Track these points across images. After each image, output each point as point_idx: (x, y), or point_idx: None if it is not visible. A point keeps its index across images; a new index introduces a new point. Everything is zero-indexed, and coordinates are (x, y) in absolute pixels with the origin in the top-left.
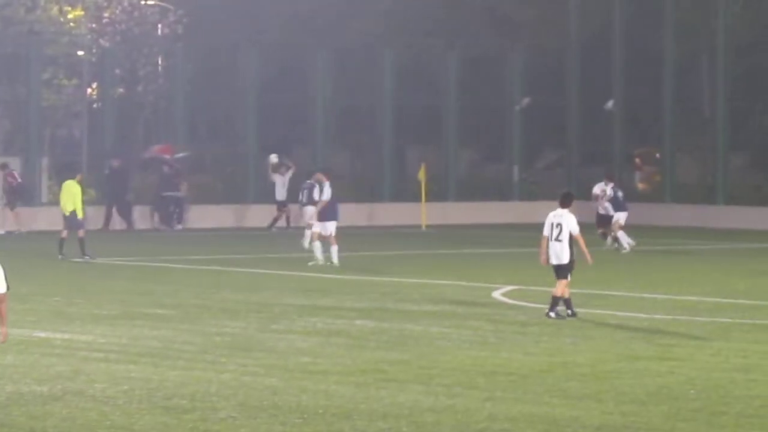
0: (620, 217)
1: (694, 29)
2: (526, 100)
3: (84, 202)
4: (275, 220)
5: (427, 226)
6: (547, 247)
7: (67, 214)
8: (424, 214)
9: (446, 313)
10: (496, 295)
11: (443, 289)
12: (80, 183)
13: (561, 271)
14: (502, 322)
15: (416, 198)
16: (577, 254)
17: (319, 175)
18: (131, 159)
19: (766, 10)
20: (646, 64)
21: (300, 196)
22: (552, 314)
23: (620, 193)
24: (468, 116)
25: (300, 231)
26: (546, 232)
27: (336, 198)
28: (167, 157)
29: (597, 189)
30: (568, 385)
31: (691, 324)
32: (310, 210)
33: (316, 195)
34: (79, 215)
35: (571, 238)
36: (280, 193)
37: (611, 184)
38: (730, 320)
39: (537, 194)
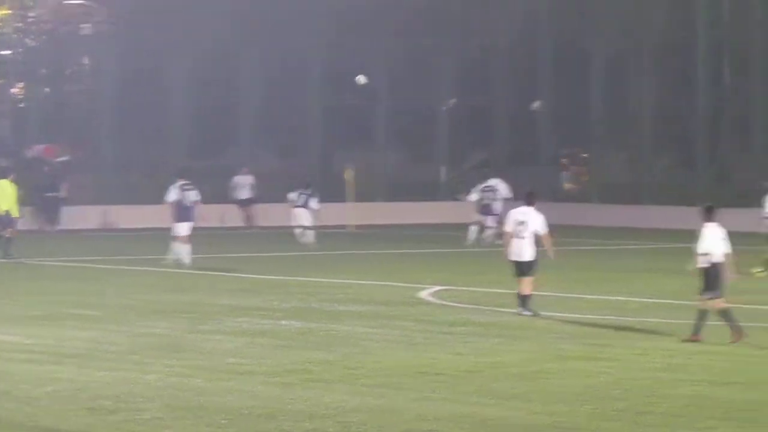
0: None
1: (622, 29)
2: (452, 101)
3: (18, 202)
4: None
5: (355, 227)
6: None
7: (2, 213)
8: (352, 214)
9: (373, 313)
10: (424, 295)
11: (370, 289)
12: (13, 182)
13: (523, 268)
14: (430, 322)
15: (344, 198)
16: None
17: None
18: (18, 158)
19: (695, 10)
20: (574, 65)
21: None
22: (526, 312)
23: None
24: (396, 117)
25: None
26: (509, 228)
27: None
28: (49, 158)
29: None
30: (496, 385)
31: (619, 324)
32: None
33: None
34: (14, 214)
35: (536, 235)
36: (243, 193)
37: None
38: (657, 320)
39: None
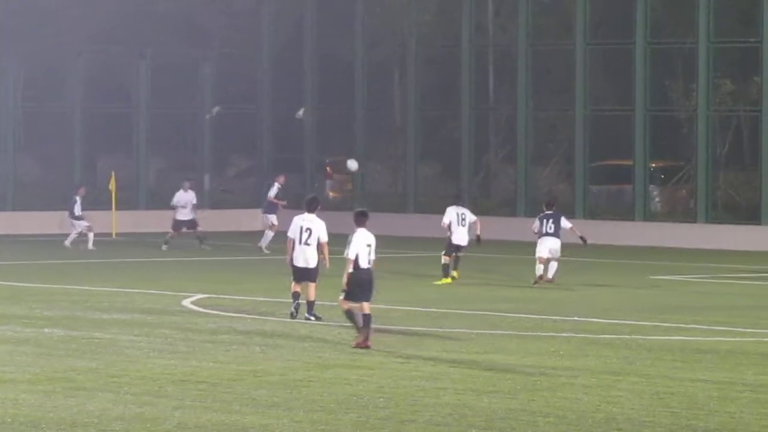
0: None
1: (385, 38)
2: (216, 109)
3: None
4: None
5: (118, 234)
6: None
7: None
8: (115, 222)
9: (137, 321)
10: (186, 303)
11: (134, 297)
12: None
13: (309, 274)
14: (192, 330)
15: (107, 206)
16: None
17: None
18: None
19: (456, 20)
20: (338, 73)
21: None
22: (312, 318)
23: None
24: (159, 124)
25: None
26: (292, 234)
27: None
28: None
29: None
30: (258, 393)
31: (382, 332)
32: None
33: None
34: None
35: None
36: (185, 213)
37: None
38: (420, 328)
39: (229, 202)
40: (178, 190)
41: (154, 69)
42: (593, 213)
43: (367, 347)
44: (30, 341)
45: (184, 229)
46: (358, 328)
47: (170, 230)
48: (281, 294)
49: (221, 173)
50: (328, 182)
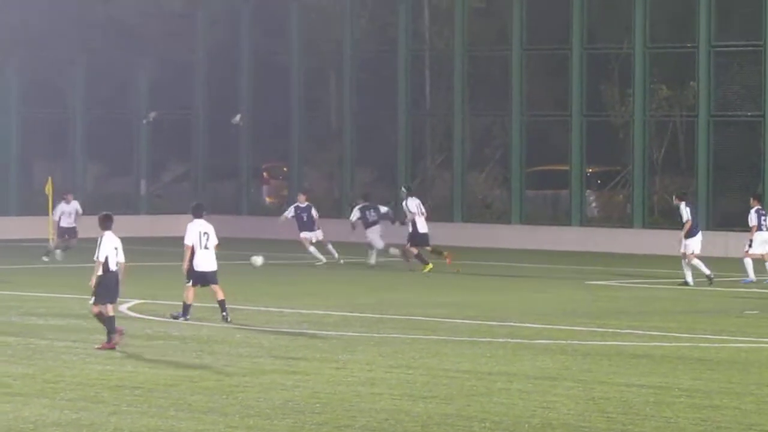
0: None
1: (321, 42)
2: (152, 114)
3: None
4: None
5: (54, 240)
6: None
7: None
8: (51, 227)
9: (72, 326)
10: (123, 308)
11: (69, 302)
12: None
13: (211, 277)
14: (129, 335)
15: (43, 212)
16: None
17: None
18: None
19: (391, 23)
20: (274, 78)
21: None
22: (225, 315)
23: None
24: (95, 129)
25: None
26: (191, 241)
27: None
28: None
29: None
30: (193, 398)
31: (318, 338)
32: None
33: None
34: None
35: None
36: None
37: None
38: (356, 334)
39: (163, 208)
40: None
41: (89, 74)
42: (529, 218)
43: (113, 348)
44: None
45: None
46: (109, 331)
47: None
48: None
49: (157, 178)
50: (265, 188)
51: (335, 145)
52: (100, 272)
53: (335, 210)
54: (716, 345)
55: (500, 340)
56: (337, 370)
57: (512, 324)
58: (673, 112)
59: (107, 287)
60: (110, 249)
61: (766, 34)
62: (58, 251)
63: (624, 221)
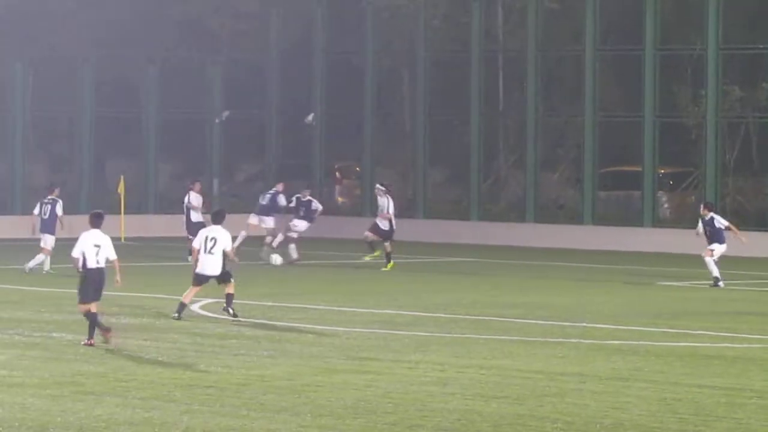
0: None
1: (395, 42)
2: (226, 113)
3: None
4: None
5: (126, 239)
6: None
7: None
8: (123, 226)
9: (145, 325)
10: (195, 308)
11: (142, 301)
12: None
13: (221, 277)
14: (201, 335)
15: (116, 210)
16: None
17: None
18: None
19: (465, 24)
20: (347, 78)
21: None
22: (231, 309)
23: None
24: (168, 129)
25: None
26: (198, 245)
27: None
28: None
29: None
30: (265, 398)
31: (390, 337)
32: None
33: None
34: None
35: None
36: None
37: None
38: (428, 334)
39: (238, 207)
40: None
41: (163, 73)
42: (601, 219)
43: (91, 345)
44: (38, 345)
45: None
46: (102, 329)
47: None
48: (290, 299)
49: (230, 178)
50: (337, 188)
51: (408, 145)
52: (79, 268)
53: (409, 210)
54: None
55: (572, 340)
56: (409, 369)
57: (584, 325)
58: (746, 113)
59: (89, 285)
60: (88, 246)
61: None
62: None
63: (696, 222)
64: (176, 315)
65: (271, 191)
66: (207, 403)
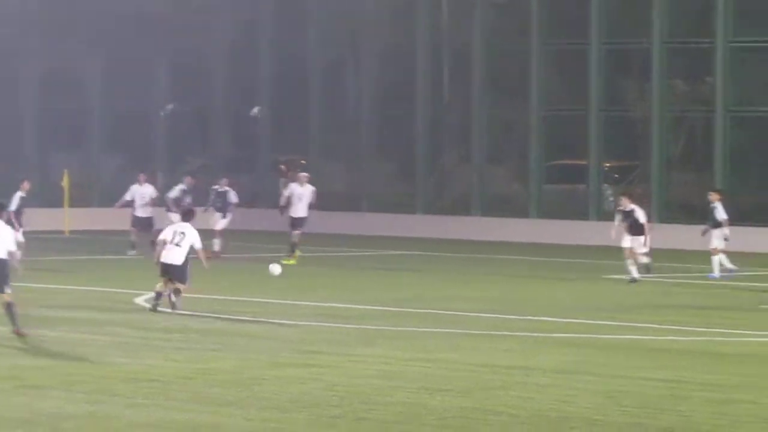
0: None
1: (341, 35)
2: (170, 106)
3: None
4: None
5: (71, 232)
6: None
7: None
8: (67, 219)
9: (89, 319)
10: (139, 301)
11: (86, 294)
12: None
13: (175, 271)
14: (145, 328)
15: (59, 203)
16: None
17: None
18: None
19: (410, 17)
20: (293, 70)
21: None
22: (150, 305)
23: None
24: (113, 122)
25: None
26: (164, 237)
27: None
28: None
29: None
30: (210, 391)
31: (336, 331)
32: None
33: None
34: None
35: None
36: None
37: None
38: (374, 327)
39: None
40: (132, 186)
41: (108, 65)
42: (547, 212)
43: (23, 335)
44: None
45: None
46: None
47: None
48: (235, 293)
49: (174, 171)
50: (282, 180)
51: (354, 138)
52: None
53: (353, 203)
54: (732, 339)
55: (518, 334)
56: (355, 363)
57: (530, 318)
58: (690, 107)
59: None
60: None
61: None
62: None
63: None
64: (151, 306)
65: (180, 186)
66: (151, 396)
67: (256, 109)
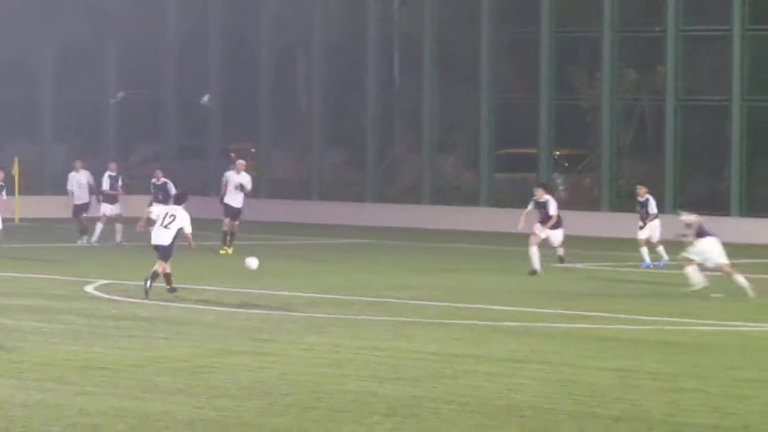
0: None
1: (291, 23)
2: (121, 94)
3: None
4: None
5: (21, 219)
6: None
7: None
8: (18, 207)
9: (39, 306)
10: (89, 289)
11: (36, 282)
12: None
13: (162, 251)
14: (96, 316)
15: (10, 191)
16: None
17: None
18: None
19: (361, 6)
20: (243, 59)
21: None
22: (149, 284)
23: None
24: (63, 110)
25: None
26: (154, 217)
27: None
28: None
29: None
30: (160, 379)
31: (286, 319)
32: None
33: None
34: None
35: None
36: None
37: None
38: (324, 315)
39: (133, 188)
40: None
41: (58, 54)
42: (498, 201)
43: None
44: None
45: None
46: None
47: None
48: (185, 280)
49: (125, 159)
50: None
51: (304, 126)
52: None
53: (304, 192)
54: (682, 328)
55: (468, 322)
56: (305, 351)
57: (480, 306)
58: (641, 96)
59: None
60: None
61: (734, 19)
62: None
63: (591, 204)
64: (148, 285)
65: (107, 173)
66: (101, 384)
67: (206, 98)
